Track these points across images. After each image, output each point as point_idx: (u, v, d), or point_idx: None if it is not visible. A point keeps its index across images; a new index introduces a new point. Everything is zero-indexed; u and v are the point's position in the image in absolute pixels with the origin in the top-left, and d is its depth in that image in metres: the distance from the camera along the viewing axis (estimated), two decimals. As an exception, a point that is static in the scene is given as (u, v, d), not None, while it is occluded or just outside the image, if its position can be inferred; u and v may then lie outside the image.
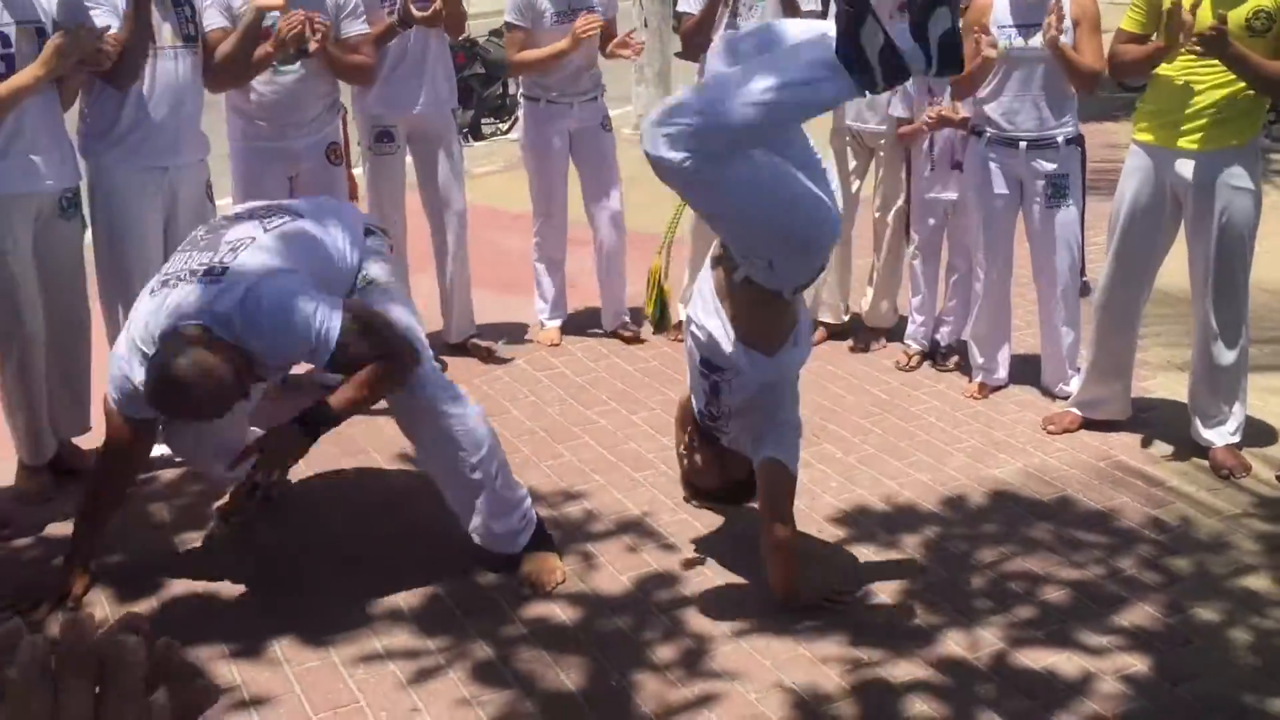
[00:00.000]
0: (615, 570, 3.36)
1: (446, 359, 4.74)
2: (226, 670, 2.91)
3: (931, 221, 4.68)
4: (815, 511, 3.64)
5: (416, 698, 2.82)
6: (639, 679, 2.89)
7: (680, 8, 4.92)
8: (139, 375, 2.83)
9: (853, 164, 4.84)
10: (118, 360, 2.93)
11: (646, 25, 8.50)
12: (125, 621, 0.64)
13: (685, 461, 3.43)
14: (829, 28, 2.68)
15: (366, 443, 4.08)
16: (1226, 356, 3.86)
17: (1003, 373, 4.55)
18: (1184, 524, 3.60)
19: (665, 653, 2.99)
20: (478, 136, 9.31)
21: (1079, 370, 4.30)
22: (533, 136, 4.93)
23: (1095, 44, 4.04)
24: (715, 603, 3.20)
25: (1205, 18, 3.49)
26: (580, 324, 5.14)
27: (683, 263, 5.14)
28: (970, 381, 4.58)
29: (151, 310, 2.86)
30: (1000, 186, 4.29)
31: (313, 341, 2.83)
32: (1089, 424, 4.19)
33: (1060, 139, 4.19)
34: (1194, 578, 3.32)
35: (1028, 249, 4.42)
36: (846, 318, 5.09)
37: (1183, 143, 3.70)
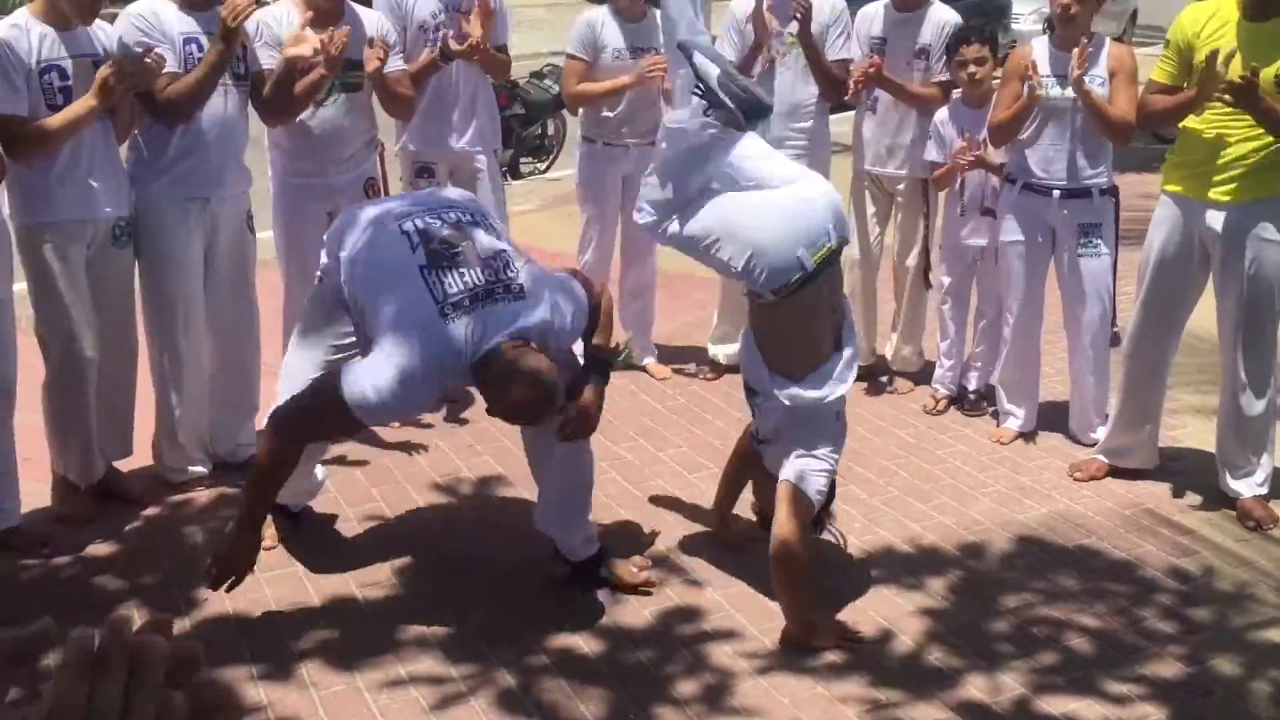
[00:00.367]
0: (638, 604, 3.39)
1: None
2: (254, 691, 2.97)
3: (961, 267, 4.72)
4: (839, 552, 3.67)
5: (439, 724, 2.87)
6: (659, 712, 2.92)
7: (717, 54, 4.99)
8: (432, 390, 3.06)
9: (872, 210, 4.89)
10: (396, 378, 2.90)
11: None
12: (153, 623, 0.70)
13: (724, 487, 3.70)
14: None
15: (400, 473, 4.15)
16: (1255, 407, 3.86)
17: (1030, 419, 4.56)
18: (1208, 574, 3.60)
19: (686, 688, 3.02)
20: (516, 176, 9.44)
21: (1107, 418, 4.31)
22: (587, 176, 4.99)
23: (1129, 95, 4.07)
24: (737, 639, 3.23)
25: (1236, 70, 3.53)
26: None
27: (712, 305, 5.21)
28: (997, 426, 4.59)
29: (457, 333, 2.92)
30: (1033, 234, 4.32)
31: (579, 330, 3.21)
32: (1116, 471, 4.19)
33: (1094, 189, 4.22)
34: (1216, 628, 3.32)
35: (1058, 296, 4.45)
36: (873, 359, 5.12)
37: (1212, 194, 3.73)
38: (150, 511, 3.87)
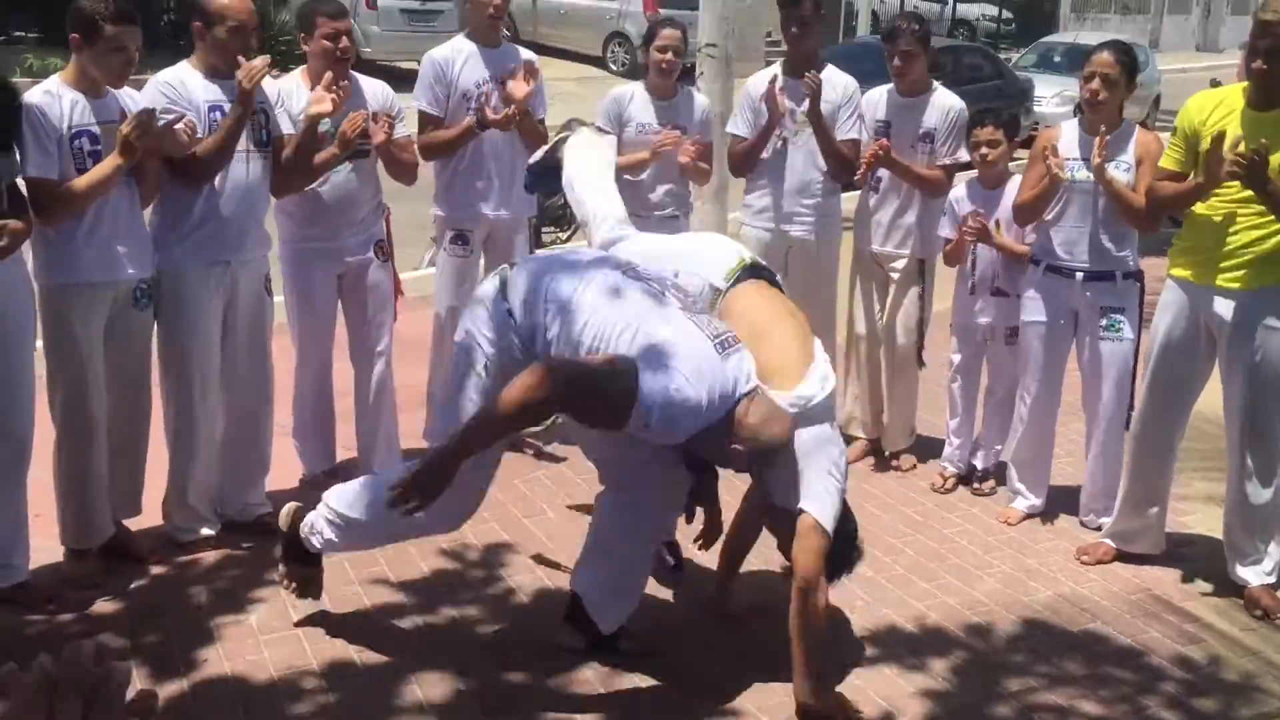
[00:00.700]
0: (644, 672, 3.38)
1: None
2: (249, 754, 2.97)
3: (971, 345, 4.74)
4: (842, 629, 3.65)
5: (431, 793, 2.86)
6: (652, 788, 2.90)
7: (729, 130, 5.09)
8: (700, 421, 2.99)
9: (874, 287, 4.93)
10: (689, 395, 2.92)
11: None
12: (114, 652, 0.73)
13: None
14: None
15: (404, 537, 4.17)
16: (1262, 495, 3.84)
17: (1040, 500, 4.55)
18: (1214, 663, 3.56)
19: (681, 763, 3.00)
20: (538, 244, 9.55)
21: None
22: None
23: None
24: (741, 712, 3.21)
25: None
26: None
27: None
28: (1006, 506, 4.58)
29: (730, 369, 3.02)
30: (1055, 315, 4.33)
31: None
32: (1123, 556, 4.17)
33: (1118, 273, 4.22)
34: (1221, 719, 3.27)
35: (1075, 377, 4.43)
36: (877, 435, 5.12)
37: (1219, 281, 3.75)
38: (157, 570, 3.89)
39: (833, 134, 4.73)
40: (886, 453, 5.05)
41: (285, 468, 4.46)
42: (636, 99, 4.84)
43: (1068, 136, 4.26)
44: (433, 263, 7.83)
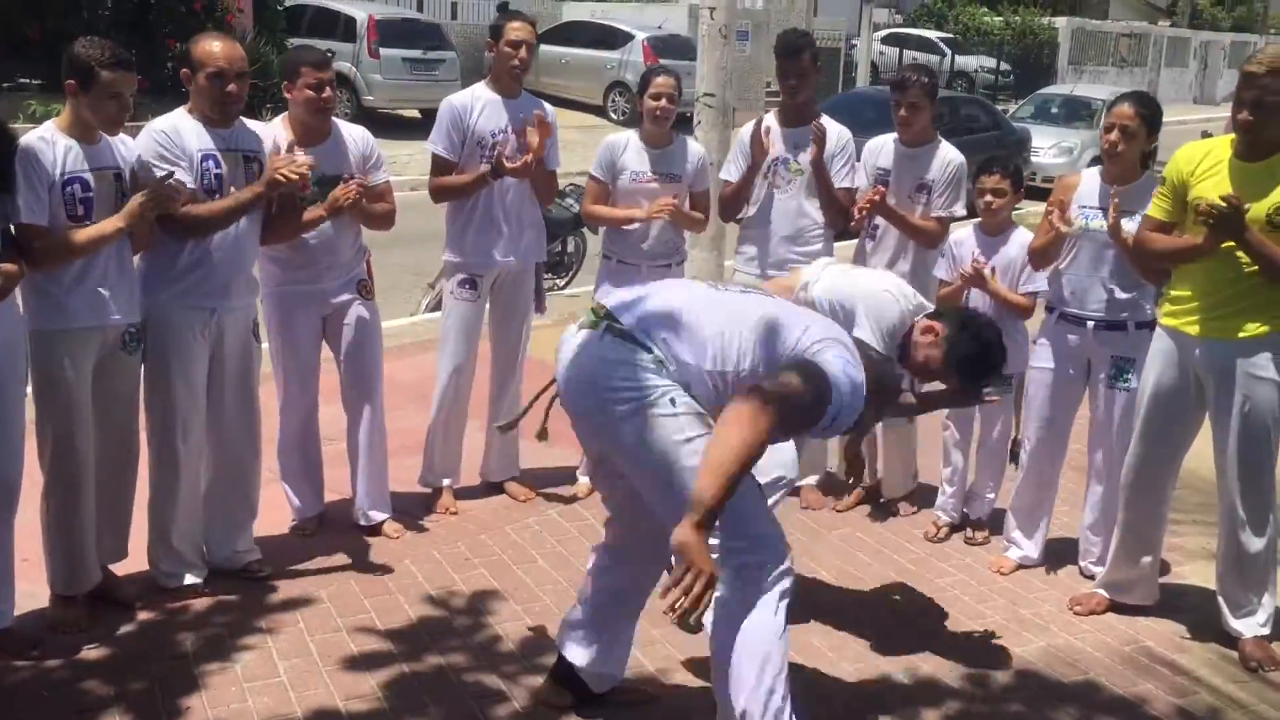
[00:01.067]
0: (627, 726, 3.35)
1: (481, 500, 4.93)
2: (229, 804, 2.93)
3: (963, 394, 4.73)
4: (833, 680, 3.62)
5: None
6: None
7: (721, 175, 5.13)
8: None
9: None
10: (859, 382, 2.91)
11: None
12: None
13: None
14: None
15: (393, 584, 4.15)
16: (1254, 545, 3.82)
17: (1035, 553, 4.52)
18: (1209, 716, 3.52)
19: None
20: (539, 290, 9.58)
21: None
22: (604, 291, 5.09)
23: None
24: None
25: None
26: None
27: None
28: (1000, 555, 4.56)
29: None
30: (1065, 364, 4.32)
31: None
32: (1116, 607, 4.14)
33: (1131, 322, 4.21)
34: (1214, 772, 3.24)
35: (1079, 427, 4.42)
36: (873, 481, 5.10)
37: (1206, 330, 3.75)
38: (144, 616, 3.87)
39: (832, 181, 4.78)
40: (883, 499, 5.04)
41: (274, 512, 4.45)
42: (630, 147, 4.88)
43: (1088, 185, 4.27)
44: (431, 308, 7.88)
